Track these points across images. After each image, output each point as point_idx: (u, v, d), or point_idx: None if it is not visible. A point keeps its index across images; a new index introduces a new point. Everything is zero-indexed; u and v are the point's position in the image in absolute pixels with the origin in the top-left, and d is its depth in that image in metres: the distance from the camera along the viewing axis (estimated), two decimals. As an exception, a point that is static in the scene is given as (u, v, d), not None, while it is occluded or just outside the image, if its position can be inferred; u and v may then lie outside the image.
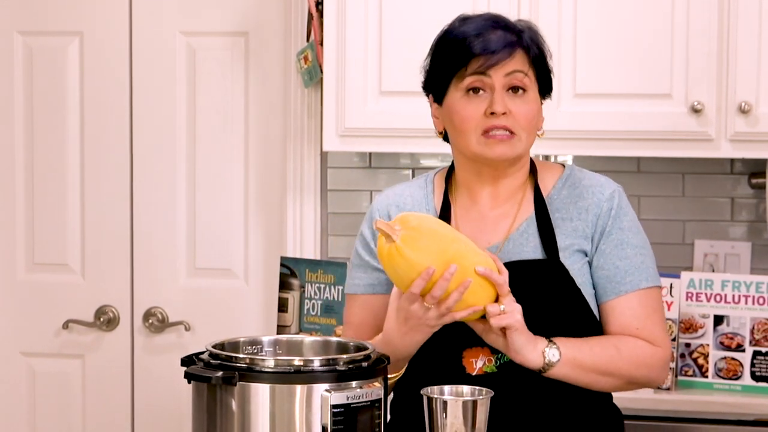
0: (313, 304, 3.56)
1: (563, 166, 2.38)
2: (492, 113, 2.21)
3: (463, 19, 2.28)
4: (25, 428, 3.94)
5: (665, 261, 3.66)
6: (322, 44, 3.45)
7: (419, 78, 2.35)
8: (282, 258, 3.66)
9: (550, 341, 2.18)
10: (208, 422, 1.97)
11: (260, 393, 1.93)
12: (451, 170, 2.37)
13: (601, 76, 3.31)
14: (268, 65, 3.79)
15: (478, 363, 2.24)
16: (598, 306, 2.29)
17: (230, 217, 3.83)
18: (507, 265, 2.19)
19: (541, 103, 2.31)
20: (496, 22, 2.25)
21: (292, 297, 3.60)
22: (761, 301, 3.34)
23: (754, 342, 3.34)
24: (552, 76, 2.32)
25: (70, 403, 3.92)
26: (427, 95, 2.34)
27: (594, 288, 2.28)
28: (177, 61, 3.83)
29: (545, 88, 2.31)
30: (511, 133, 2.23)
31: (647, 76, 3.28)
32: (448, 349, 2.24)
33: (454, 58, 2.23)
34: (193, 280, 3.86)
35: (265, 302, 3.82)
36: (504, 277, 2.12)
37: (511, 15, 3.29)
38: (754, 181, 3.58)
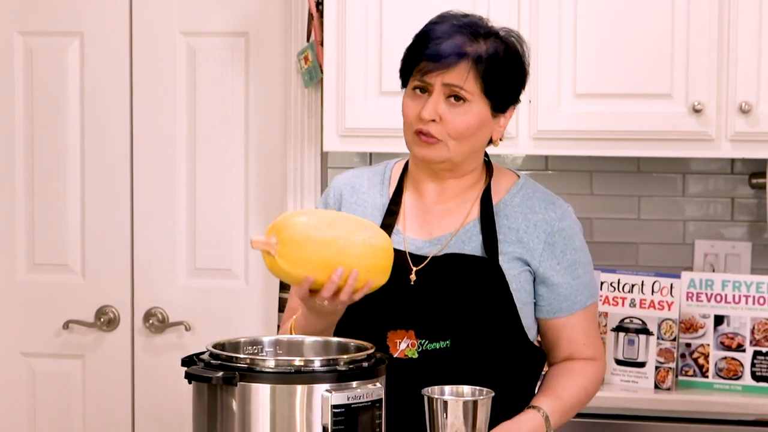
0: (314, 304, 3.55)
1: (518, 175, 2.41)
2: (419, 117, 2.26)
3: (442, 16, 2.30)
4: (25, 428, 3.94)
5: (665, 261, 3.66)
6: (322, 44, 3.45)
7: None
8: (282, 258, 3.65)
9: (547, 420, 2.26)
10: (209, 422, 1.97)
11: (261, 393, 1.94)
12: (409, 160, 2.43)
13: (601, 76, 3.30)
14: (268, 65, 3.79)
15: (401, 345, 2.27)
16: (547, 320, 2.35)
17: (230, 217, 3.83)
18: (447, 255, 2.28)
19: (496, 116, 2.29)
20: (465, 27, 2.25)
21: (293, 297, 3.60)
22: (761, 301, 3.34)
23: (754, 342, 3.34)
24: (520, 92, 2.30)
25: (71, 404, 3.92)
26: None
27: (542, 302, 2.34)
28: (177, 61, 3.83)
29: (499, 105, 2.28)
30: (437, 139, 2.26)
31: (647, 76, 3.28)
32: (372, 329, 2.27)
33: (411, 55, 2.28)
34: (194, 281, 3.86)
35: (265, 302, 3.82)
36: None
37: (511, 15, 3.31)
38: (754, 181, 3.58)
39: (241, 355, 1.98)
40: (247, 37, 3.80)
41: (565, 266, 2.32)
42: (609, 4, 3.29)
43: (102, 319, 3.88)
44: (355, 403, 1.94)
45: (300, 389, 1.93)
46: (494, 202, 2.34)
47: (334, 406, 1.93)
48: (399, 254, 2.29)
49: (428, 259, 2.30)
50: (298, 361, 1.96)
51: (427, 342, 2.26)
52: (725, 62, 3.25)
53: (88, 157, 3.87)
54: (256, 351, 2.15)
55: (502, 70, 2.25)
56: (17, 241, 3.92)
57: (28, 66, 3.90)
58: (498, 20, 3.32)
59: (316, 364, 1.95)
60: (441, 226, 2.34)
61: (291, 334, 2.27)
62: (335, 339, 2.18)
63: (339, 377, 1.94)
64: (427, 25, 2.29)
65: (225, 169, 3.82)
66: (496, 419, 2.22)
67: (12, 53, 3.90)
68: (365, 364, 1.99)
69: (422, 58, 2.24)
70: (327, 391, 1.93)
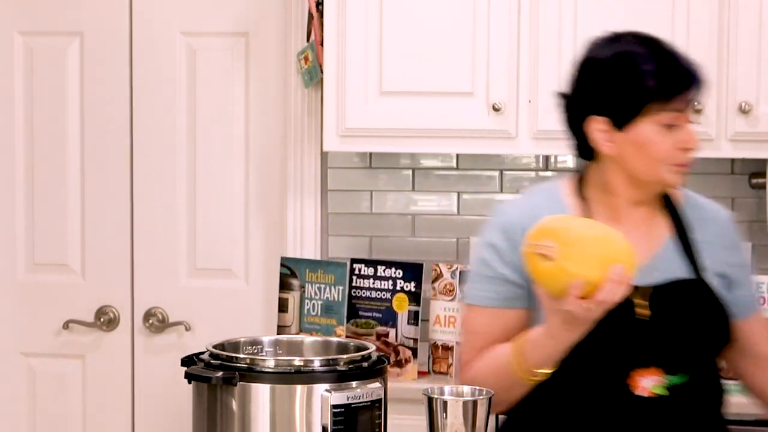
0: (313, 304, 3.56)
1: None
2: (685, 148, 2.24)
3: (644, 42, 2.25)
4: (25, 428, 3.94)
5: (665, 261, 3.66)
6: (322, 44, 3.45)
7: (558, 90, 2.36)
8: (282, 258, 3.66)
9: None
10: (209, 422, 1.97)
11: (260, 393, 1.94)
12: (579, 186, 2.34)
13: (602, 76, 3.30)
14: (268, 65, 3.79)
15: (646, 383, 2.21)
16: (746, 320, 2.35)
17: (230, 217, 3.83)
18: (672, 283, 2.24)
19: None
20: (671, 51, 2.25)
21: (293, 297, 3.60)
22: (761, 301, 3.34)
23: (754, 342, 3.33)
24: None
25: (70, 403, 3.92)
26: (589, 115, 2.28)
27: (738, 301, 2.32)
28: (177, 61, 3.83)
29: None
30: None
31: (647, 76, 3.28)
32: (613, 369, 2.21)
33: (655, 92, 2.21)
34: (194, 280, 3.86)
35: (265, 302, 3.81)
36: None
37: (511, 15, 3.31)
38: (754, 181, 3.58)
39: (241, 355, 1.98)
40: (247, 37, 3.80)
41: (742, 264, 2.36)
42: (609, 4, 3.29)
43: (102, 319, 3.88)
44: (355, 403, 1.95)
45: (300, 389, 1.93)
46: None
47: (334, 406, 1.93)
48: None
49: (652, 290, 2.22)
50: (297, 361, 1.96)
51: (672, 377, 2.21)
52: (725, 62, 3.25)
53: (88, 157, 3.87)
54: (255, 351, 2.16)
55: None
56: (17, 241, 3.92)
57: (28, 66, 3.90)
58: (499, 20, 3.34)
59: (316, 364, 1.95)
60: (642, 251, 2.22)
61: (519, 358, 2.18)
62: (335, 339, 2.18)
63: (339, 377, 1.95)
64: (645, 61, 2.22)
65: (225, 169, 3.82)
66: None
67: (12, 53, 3.90)
68: (365, 364, 1.99)
69: (675, 94, 2.21)
70: (327, 391, 1.93)
